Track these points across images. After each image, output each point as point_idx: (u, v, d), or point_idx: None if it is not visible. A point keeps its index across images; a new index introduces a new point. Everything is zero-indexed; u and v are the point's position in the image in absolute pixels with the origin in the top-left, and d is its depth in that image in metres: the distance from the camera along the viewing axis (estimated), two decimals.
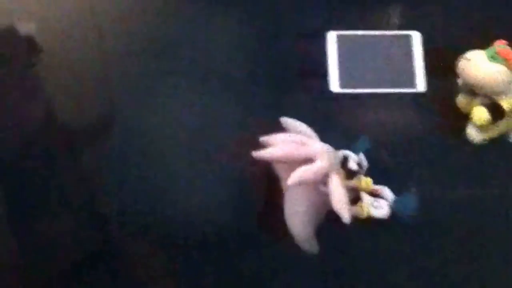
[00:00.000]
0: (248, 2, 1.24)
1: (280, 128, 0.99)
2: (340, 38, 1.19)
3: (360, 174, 1.03)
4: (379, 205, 1.02)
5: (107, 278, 0.99)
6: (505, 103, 1.10)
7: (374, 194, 1.04)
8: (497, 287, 1.00)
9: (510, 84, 1.09)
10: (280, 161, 0.97)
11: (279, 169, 0.99)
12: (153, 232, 1.02)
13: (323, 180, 0.94)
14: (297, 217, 0.97)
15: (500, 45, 1.10)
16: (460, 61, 1.11)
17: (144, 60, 1.17)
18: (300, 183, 0.93)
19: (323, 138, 1.00)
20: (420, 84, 1.18)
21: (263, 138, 0.96)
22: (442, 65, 1.16)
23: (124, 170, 1.06)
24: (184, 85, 1.14)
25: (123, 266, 0.99)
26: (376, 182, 1.03)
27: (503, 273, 1.00)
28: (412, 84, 1.18)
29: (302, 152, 0.95)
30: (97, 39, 1.19)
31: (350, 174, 1.02)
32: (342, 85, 1.17)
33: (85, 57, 1.17)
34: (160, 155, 1.06)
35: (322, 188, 0.95)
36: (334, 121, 1.14)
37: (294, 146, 0.95)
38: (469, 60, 1.10)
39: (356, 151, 1.04)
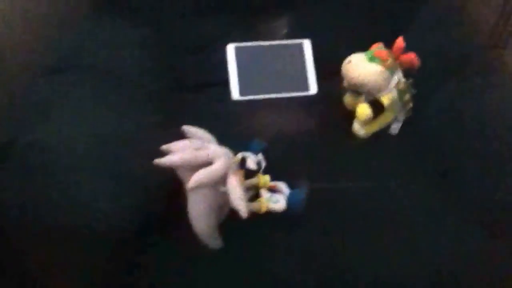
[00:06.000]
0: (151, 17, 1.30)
1: (183, 136, 1.02)
2: (238, 50, 1.28)
3: (259, 172, 1.10)
4: (276, 199, 1.08)
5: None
6: (385, 99, 1.20)
7: (273, 190, 1.10)
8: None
9: (387, 81, 1.19)
10: (180, 166, 0.99)
11: (181, 174, 1.00)
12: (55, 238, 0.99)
13: (222, 180, 0.99)
14: (199, 217, 1.00)
15: (377, 47, 1.20)
16: (343, 64, 1.20)
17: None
18: (199, 186, 0.96)
19: (225, 143, 1.04)
20: (312, 87, 1.28)
21: (164, 146, 0.99)
22: (330, 69, 1.23)
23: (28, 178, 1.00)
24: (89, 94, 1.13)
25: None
26: (274, 178, 1.09)
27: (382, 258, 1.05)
28: (305, 87, 1.28)
29: (199, 156, 0.98)
30: None
31: (250, 173, 1.08)
32: (242, 93, 1.27)
33: None
34: (64, 162, 1.00)
35: (222, 188, 1.00)
36: (235, 125, 1.20)
37: (192, 151, 0.99)
38: (351, 62, 1.19)
39: (254, 152, 1.11)
